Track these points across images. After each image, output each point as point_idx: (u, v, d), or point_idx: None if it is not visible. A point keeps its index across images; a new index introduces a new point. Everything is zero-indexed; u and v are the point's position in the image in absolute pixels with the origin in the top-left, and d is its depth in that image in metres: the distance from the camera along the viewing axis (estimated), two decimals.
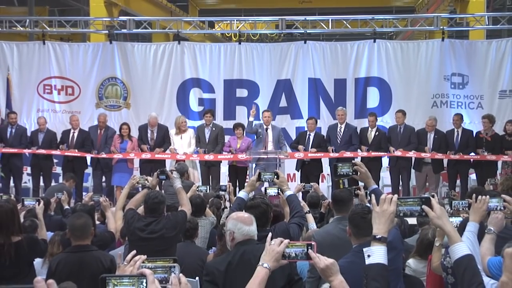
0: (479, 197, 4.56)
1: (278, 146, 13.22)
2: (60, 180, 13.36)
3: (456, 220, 5.71)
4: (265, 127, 13.35)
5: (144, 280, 2.37)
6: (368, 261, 3.20)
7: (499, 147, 12.96)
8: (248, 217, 4.64)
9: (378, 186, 6.26)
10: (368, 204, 5.78)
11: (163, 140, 13.59)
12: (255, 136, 13.38)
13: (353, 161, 6.07)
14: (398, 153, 13.14)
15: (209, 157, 13.29)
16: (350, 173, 5.23)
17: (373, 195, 4.91)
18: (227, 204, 9.48)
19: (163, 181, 7.61)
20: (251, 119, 13.51)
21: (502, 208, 4.59)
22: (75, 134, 13.63)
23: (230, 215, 4.92)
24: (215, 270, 4.50)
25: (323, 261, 3.19)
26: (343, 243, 4.93)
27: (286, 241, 3.27)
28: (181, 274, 2.68)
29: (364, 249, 3.26)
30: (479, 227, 4.49)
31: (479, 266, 4.08)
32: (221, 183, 12.45)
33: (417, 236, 6.90)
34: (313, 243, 3.33)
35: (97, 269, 5.26)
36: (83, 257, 5.37)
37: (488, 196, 4.57)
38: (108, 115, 14.93)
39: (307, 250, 3.22)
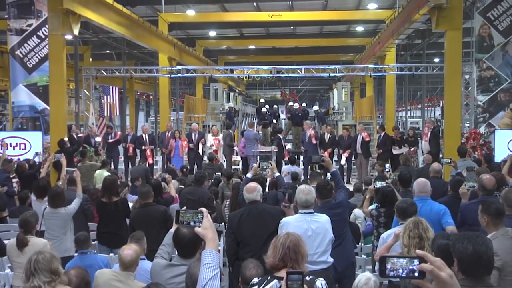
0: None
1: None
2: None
3: (382, 182, 5.78)
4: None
5: (200, 214, 2.10)
6: None
7: (404, 143, 12.75)
8: (250, 188, 4.49)
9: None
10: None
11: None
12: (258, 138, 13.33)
13: (321, 153, 6.24)
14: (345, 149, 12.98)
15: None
16: (319, 161, 5.39)
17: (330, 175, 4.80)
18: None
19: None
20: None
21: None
22: (147, 136, 13.38)
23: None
24: (232, 219, 4.49)
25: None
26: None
27: None
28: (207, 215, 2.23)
29: None
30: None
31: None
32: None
33: (354, 198, 6.95)
34: None
35: (156, 216, 5.28)
36: (147, 210, 5.38)
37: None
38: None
39: None
